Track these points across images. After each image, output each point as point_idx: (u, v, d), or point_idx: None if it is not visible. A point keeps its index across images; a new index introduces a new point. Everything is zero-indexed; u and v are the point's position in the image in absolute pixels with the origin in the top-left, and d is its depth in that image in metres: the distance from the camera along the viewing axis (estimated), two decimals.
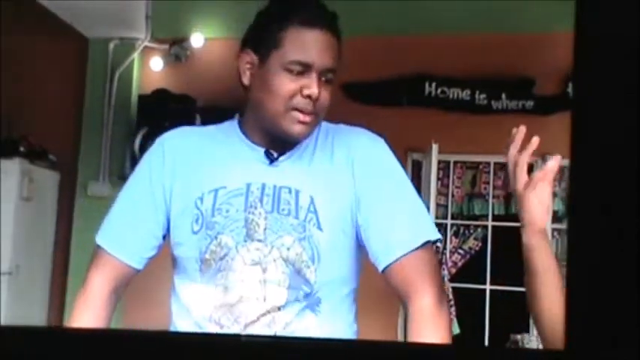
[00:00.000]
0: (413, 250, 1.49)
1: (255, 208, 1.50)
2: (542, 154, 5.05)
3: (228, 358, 0.52)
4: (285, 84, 1.47)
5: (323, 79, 1.49)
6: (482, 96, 5.21)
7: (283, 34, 1.47)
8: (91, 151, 5.41)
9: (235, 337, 0.71)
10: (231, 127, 1.64)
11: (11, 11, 4.65)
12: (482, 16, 4.81)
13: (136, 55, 5.45)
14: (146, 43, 5.40)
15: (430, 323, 1.48)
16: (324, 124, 1.62)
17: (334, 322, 1.54)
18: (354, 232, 1.54)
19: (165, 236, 1.61)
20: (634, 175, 0.44)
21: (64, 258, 5.36)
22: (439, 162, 5.07)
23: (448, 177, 5.36)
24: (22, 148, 5.19)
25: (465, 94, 5.23)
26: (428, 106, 5.22)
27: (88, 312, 1.59)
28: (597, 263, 0.45)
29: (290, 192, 1.51)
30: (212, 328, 1.50)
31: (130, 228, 1.61)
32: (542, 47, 4.80)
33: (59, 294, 5.39)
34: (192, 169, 1.57)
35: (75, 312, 1.60)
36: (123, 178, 5.31)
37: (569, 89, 4.89)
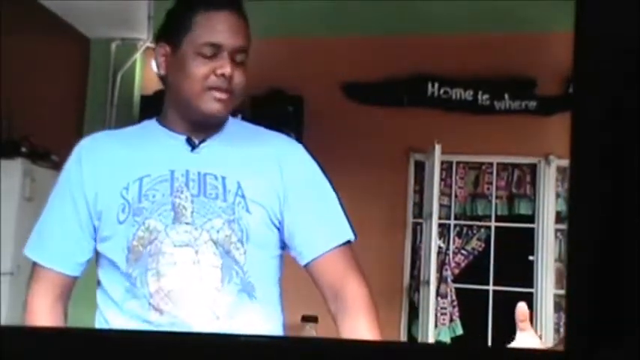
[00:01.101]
0: (339, 246, 1.59)
1: (182, 192, 1.53)
2: (545, 154, 5.07)
3: (228, 358, 0.52)
4: (199, 66, 1.53)
5: (236, 59, 1.55)
6: (485, 96, 5.21)
7: (193, 19, 1.54)
8: None
9: (235, 337, 0.71)
10: (149, 123, 1.71)
11: (12, 11, 4.65)
12: (484, 16, 4.81)
13: (138, 56, 5.46)
14: (148, 44, 5.40)
15: (370, 309, 1.56)
16: (238, 121, 1.71)
17: (269, 310, 1.58)
18: (279, 225, 1.59)
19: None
20: (634, 175, 0.44)
21: None
22: (442, 162, 5.07)
23: (451, 177, 5.36)
24: (24, 149, 5.19)
25: (468, 95, 5.23)
26: (430, 106, 5.23)
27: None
28: (597, 263, 0.45)
29: (216, 178, 1.55)
30: (152, 316, 1.50)
31: (56, 237, 1.64)
32: (545, 47, 4.80)
33: None
34: (113, 166, 1.61)
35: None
36: None
37: (572, 89, 4.88)
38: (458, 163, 5.35)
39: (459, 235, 5.42)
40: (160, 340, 0.58)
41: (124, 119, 5.43)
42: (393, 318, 4.96)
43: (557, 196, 5.18)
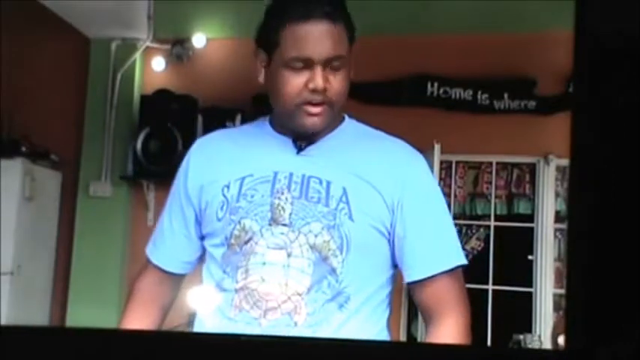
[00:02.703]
0: (449, 270, 1.56)
1: (282, 193, 1.50)
2: (544, 154, 5.06)
3: (228, 358, 0.53)
4: (289, 82, 1.48)
5: (331, 67, 1.48)
6: (485, 96, 5.21)
7: (281, 32, 1.48)
8: (93, 151, 5.42)
9: (235, 337, 0.71)
10: (261, 122, 1.67)
11: (12, 11, 4.65)
12: (484, 16, 4.81)
13: (137, 56, 5.46)
14: (148, 44, 5.40)
15: (463, 341, 1.53)
16: (354, 122, 1.66)
17: (363, 324, 1.52)
18: (389, 236, 1.54)
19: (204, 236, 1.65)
20: (634, 175, 0.44)
21: (66, 258, 5.36)
22: (441, 162, 5.06)
23: (450, 177, 5.36)
24: (24, 148, 5.19)
25: (467, 94, 5.23)
26: (430, 106, 5.22)
27: (131, 315, 1.69)
28: (597, 263, 0.45)
29: (320, 182, 1.50)
30: (232, 313, 1.49)
31: (164, 236, 1.70)
32: (544, 47, 4.80)
33: (61, 294, 5.39)
34: (219, 164, 1.61)
35: (123, 316, 1.71)
36: (125, 178, 5.32)
37: (571, 89, 4.87)
38: (457, 162, 5.35)
39: (458, 234, 5.42)
40: (161, 339, 0.58)
41: (124, 119, 5.44)
42: (392, 317, 4.95)
43: (557, 195, 5.17)
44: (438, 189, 1.62)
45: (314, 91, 1.47)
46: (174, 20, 5.30)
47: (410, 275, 1.55)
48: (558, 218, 5.15)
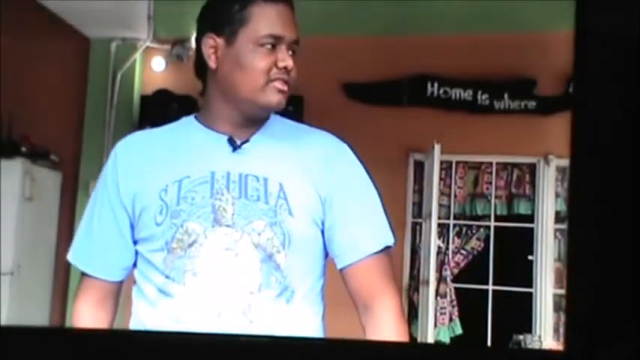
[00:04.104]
0: (377, 252, 1.56)
1: (222, 194, 1.50)
2: (544, 154, 5.07)
3: (228, 358, 0.52)
4: (261, 59, 1.50)
5: (290, 51, 1.53)
6: (485, 96, 5.21)
7: (249, 11, 1.51)
8: (93, 151, 5.42)
9: (234, 337, 0.71)
10: (187, 121, 1.66)
11: (12, 11, 4.65)
12: (484, 16, 4.81)
13: (137, 56, 5.46)
14: (148, 44, 5.41)
15: (398, 324, 1.54)
16: (280, 118, 1.66)
17: (307, 316, 1.55)
18: (322, 226, 1.56)
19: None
20: (634, 176, 0.44)
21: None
22: (441, 162, 5.07)
23: (450, 177, 5.36)
24: (23, 148, 5.20)
25: (467, 95, 5.24)
26: (430, 106, 5.23)
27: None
28: (597, 263, 0.45)
29: (258, 180, 1.51)
30: (185, 316, 1.48)
31: (97, 245, 1.63)
32: (544, 47, 4.80)
33: (61, 294, 5.40)
34: (151, 166, 1.58)
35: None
36: None
37: (571, 89, 4.86)
38: (457, 162, 5.35)
39: (458, 234, 5.42)
40: (160, 339, 0.58)
41: (124, 119, 5.44)
42: None
43: (557, 195, 5.18)
44: (364, 174, 1.63)
45: (284, 68, 1.50)
46: (174, 20, 5.30)
47: (342, 261, 1.56)
48: (558, 218, 5.16)
